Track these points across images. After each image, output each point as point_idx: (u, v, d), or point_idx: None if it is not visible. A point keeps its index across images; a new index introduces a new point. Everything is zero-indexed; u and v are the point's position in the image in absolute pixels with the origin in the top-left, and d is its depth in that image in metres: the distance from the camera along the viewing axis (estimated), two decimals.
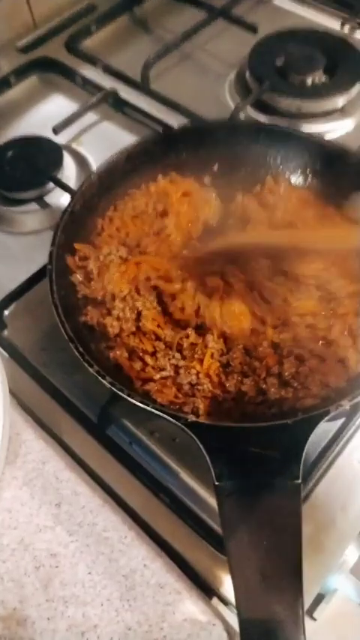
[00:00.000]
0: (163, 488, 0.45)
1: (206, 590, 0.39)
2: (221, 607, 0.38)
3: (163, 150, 0.56)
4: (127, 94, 0.71)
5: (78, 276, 0.50)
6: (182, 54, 0.76)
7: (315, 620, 0.60)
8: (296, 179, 0.57)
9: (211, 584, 0.40)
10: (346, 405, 0.40)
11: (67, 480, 0.39)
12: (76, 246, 0.51)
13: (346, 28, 0.77)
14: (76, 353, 0.42)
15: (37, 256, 0.55)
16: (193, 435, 0.38)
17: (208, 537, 0.42)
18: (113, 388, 0.41)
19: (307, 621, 0.61)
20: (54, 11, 0.80)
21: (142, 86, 0.71)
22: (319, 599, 0.56)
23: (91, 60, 0.75)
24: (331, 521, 0.44)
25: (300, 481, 0.36)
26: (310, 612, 0.59)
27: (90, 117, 0.70)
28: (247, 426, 0.39)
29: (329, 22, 0.79)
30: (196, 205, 0.55)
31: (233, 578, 0.33)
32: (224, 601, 0.40)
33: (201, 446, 0.38)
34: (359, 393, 0.40)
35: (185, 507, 0.44)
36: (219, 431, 0.39)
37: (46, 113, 0.71)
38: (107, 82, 0.72)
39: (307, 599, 0.46)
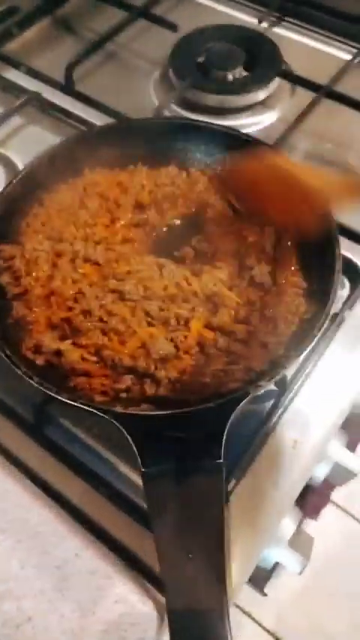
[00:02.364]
0: (103, 482, 0.46)
1: (142, 572, 0.41)
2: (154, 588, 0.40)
3: (86, 149, 0.57)
4: (51, 96, 0.71)
5: (5, 278, 0.51)
6: (106, 54, 0.77)
7: (266, 595, 0.62)
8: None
9: (149, 567, 0.42)
10: (265, 384, 0.42)
11: None
12: (7, 246, 0.51)
13: (264, 24, 0.80)
14: (3, 356, 0.43)
15: None
16: (119, 425, 0.40)
17: (142, 520, 0.43)
18: (41, 387, 0.42)
19: (258, 597, 0.64)
20: None
21: (66, 87, 0.72)
22: (267, 574, 0.59)
23: (14, 63, 0.74)
24: (265, 497, 0.47)
25: (222, 460, 0.38)
26: (261, 588, 0.62)
27: (15, 120, 0.70)
28: (171, 413, 0.41)
29: (247, 18, 0.81)
30: (127, 190, 0.56)
31: (160, 558, 0.35)
32: (158, 582, 0.42)
33: (127, 435, 0.39)
34: (276, 372, 0.42)
35: (124, 497, 0.45)
36: (143, 420, 0.40)
37: None
38: (31, 85, 0.72)
39: (247, 573, 0.48)
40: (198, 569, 0.35)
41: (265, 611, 1.09)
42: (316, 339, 0.44)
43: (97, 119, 0.68)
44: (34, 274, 0.50)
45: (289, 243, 0.52)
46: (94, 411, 0.41)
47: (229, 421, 0.40)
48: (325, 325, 0.45)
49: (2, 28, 0.78)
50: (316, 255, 0.50)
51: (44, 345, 0.47)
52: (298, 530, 0.53)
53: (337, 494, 0.80)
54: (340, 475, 0.57)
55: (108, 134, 0.58)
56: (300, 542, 0.53)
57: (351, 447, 0.60)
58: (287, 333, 0.46)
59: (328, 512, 0.83)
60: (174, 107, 0.70)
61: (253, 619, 1.10)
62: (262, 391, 0.44)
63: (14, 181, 0.54)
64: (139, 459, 0.38)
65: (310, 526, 0.65)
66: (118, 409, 0.41)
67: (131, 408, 0.43)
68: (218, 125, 0.58)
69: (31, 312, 0.49)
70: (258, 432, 0.48)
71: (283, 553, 0.51)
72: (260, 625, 1.09)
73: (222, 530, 0.36)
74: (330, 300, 0.44)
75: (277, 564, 0.54)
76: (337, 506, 1.17)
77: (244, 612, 1.10)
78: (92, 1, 0.83)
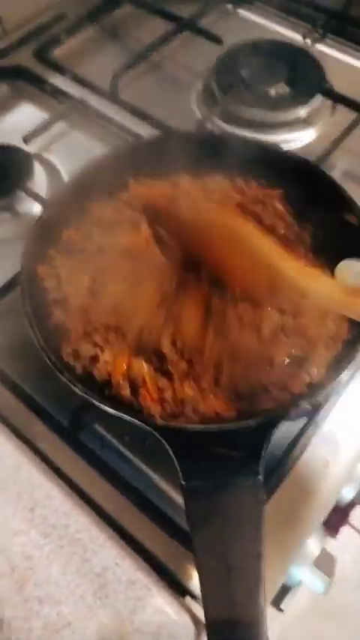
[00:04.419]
0: (134, 490, 0.47)
1: (175, 585, 0.42)
2: (189, 600, 0.40)
3: (132, 160, 0.58)
4: (96, 103, 0.72)
5: (50, 282, 0.51)
6: (151, 64, 0.78)
7: (282, 611, 0.62)
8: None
9: (179, 580, 0.42)
10: (304, 405, 0.42)
11: (40, 484, 0.41)
12: (52, 252, 0.52)
13: (308, 40, 0.80)
14: (49, 362, 0.44)
15: (9, 265, 0.56)
16: (161, 438, 0.40)
17: (175, 535, 0.44)
18: (85, 395, 0.43)
19: (275, 613, 0.64)
20: (24, 20, 0.81)
21: (111, 96, 0.73)
22: (285, 591, 0.59)
23: (61, 69, 0.76)
24: (295, 515, 0.47)
25: (261, 477, 0.38)
26: (277, 604, 0.62)
27: (60, 126, 0.71)
28: (212, 428, 0.41)
29: (292, 34, 0.82)
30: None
31: (199, 570, 0.35)
32: (192, 595, 0.42)
33: (168, 447, 0.40)
34: (317, 395, 0.43)
35: (154, 507, 0.46)
36: (186, 433, 0.41)
37: (16, 122, 0.72)
38: (77, 91, 0.73)
39: (273, 590, 0.48)
40: (236, 581, 0.36)
41: (269, 625, 1.09)
42: (355, 363, 0.44)
43: (140, 128, 0.69)
44: (75, 284, 0.50)
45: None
46: (137, 422, 0.41)
47: (268, 439, 0.40)
48: None
49: (50, 34, 0.80)
50: None
51: (82, 351, 0.48)
52: (323, 550, 0.54)
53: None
54: None
55: (155, 145, 0.59)
56: (324, 562, 0.53)
57: None
58: (327, 356, 0.47)
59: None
60: (216, 120, 0.71)
61: None
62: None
63: (62, 189, 0.55)
64: (180, 473, 0.38)
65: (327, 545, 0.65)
66: (159, 421, 0.42)
67: (172, 421, 0.43)
68: (263, 142, 0.58)
69: (69, 319, 0.49)
70: (290, 450, 0.49)
71: (308, 572, 0.51)
72: None
73: (260, 544, 0.36)
74: None
75: (299, 582, 0.54)
76: (349, 525, 1.16)
77: None
78: (139, 11, 0.84)
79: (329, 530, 0.66)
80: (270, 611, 0.65)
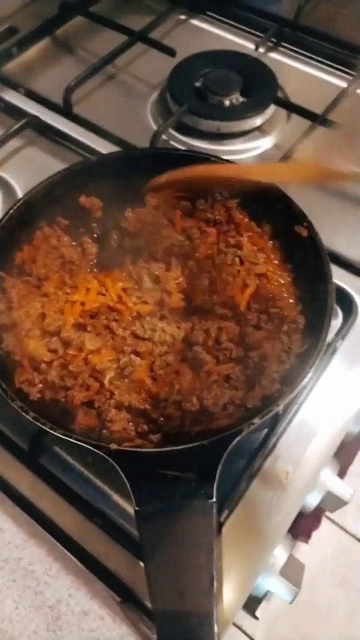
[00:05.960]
0: (97, 512, 0.47)
1: (138, 605, 0.41)
2: (145, 630, 0.40)
3: (85, 179, 0.57)
4: (50, 118, 0.71)
5: (1, 305, 0.51)
6: (105, 76, 0.77)
7: (257, 618, 0.63)
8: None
9: (142, 599, 0.42)
10: (258, 422, 0.42)
11: None
12: (2, 274, 0.52)
13: (261, 49, 0.80)
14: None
15: None
16: (113, 463, 0.40)
17: (139, 554, 0.44)
18: (37, 423, 0.42)
19: (251, 620, 0.65)
20: None
21: (64, 110, 0.72)
22: (258, 600, 0.59)
23: (13, 84, 0.75)
24: (258, 527, 0.47)
25: (214, 500, 0.38)
26: (252, 611, 0.62)
27: (14, 142, 0.70)
28: (165, 451, 0.41)
29: (245, 43, 0.82)
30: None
31: (152, 598, 0.35)
32: None
33: (121, 473, 0.39)
34: (269, 410, 0.43)
35: (117, 528, 0.46)
36: (138, 457, 0.41)
37: None
38: (30, 107, 0.73)
39: (241, 601, 0.48)
40: (189, 607, 0.36)
41: (256, 625, 1.10)
42: (308, 377, 0.44)
43: (95, 143, 0.69)
44: (25, 309, 0.50)
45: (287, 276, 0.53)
46: (89, 447, 0.41)
47: (222, 460, 0.40)
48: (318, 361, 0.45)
49: (2, 48, 0.79)
50: (310, 290, 0.50)
51: (35, 381, 0.47)
52: (290, 558, 0.54)
53: None
54: (331, 503, 0.57)
55: (107, 164, 0.58)
56: (291, 571, 0.53)
57: (342, 474, 0.61)
58: (280, 370, 0.47)
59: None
60: (171, 132, 0.71)
61: (245, 632, 1.10)
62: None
63: (11, 211, 0.54)
64: (132, 497, 0.38)
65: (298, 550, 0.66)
66: (112, 446, 0.41)
67: (125, 444, 0.43)
68: (216, 157, 0.58)
69: (20, 347, 0.49)
70: (250, 464, 0.49)
71: (275, 582, 0.51)
72: (252, 638, 1.10)
73: (211, 570, 0.36)
74: (322, 338, 0.45)
75: (268, 592, 0.55)
76: (330, 520, 1.18)
77: (236, 626, 1.10)
78: (92, 24, 0.83)
79: (301, 536, 0.66)
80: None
